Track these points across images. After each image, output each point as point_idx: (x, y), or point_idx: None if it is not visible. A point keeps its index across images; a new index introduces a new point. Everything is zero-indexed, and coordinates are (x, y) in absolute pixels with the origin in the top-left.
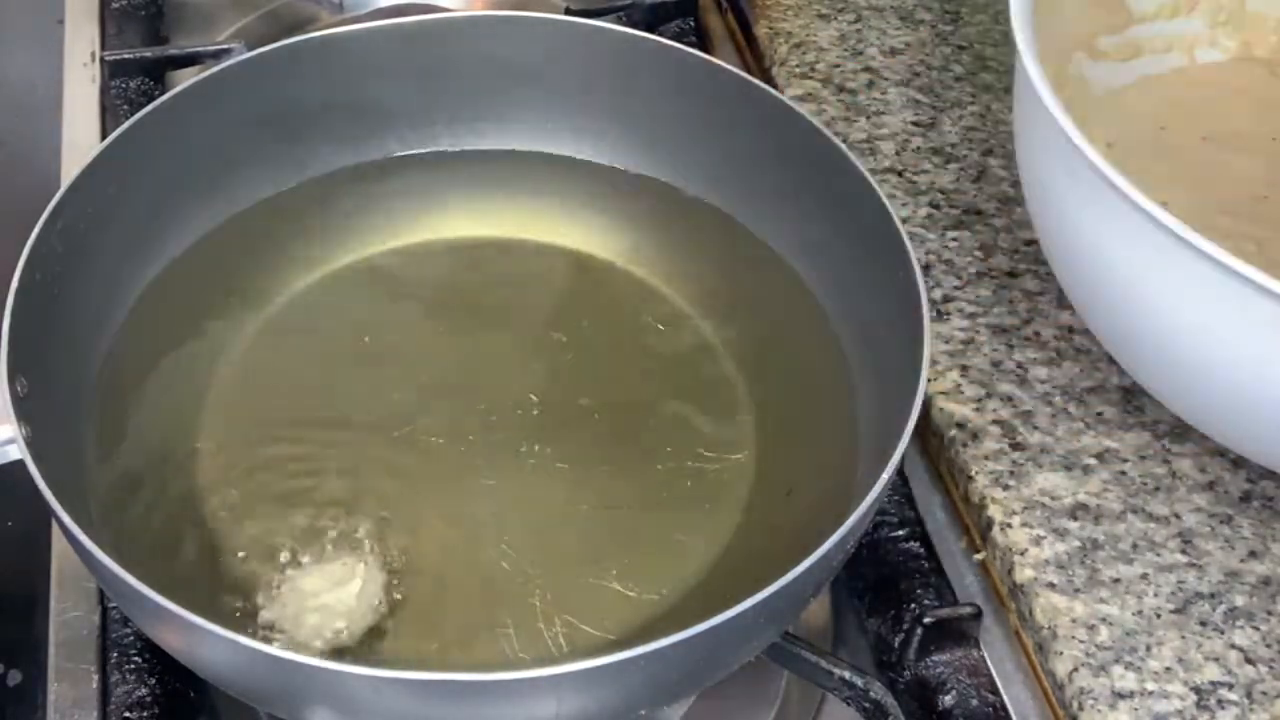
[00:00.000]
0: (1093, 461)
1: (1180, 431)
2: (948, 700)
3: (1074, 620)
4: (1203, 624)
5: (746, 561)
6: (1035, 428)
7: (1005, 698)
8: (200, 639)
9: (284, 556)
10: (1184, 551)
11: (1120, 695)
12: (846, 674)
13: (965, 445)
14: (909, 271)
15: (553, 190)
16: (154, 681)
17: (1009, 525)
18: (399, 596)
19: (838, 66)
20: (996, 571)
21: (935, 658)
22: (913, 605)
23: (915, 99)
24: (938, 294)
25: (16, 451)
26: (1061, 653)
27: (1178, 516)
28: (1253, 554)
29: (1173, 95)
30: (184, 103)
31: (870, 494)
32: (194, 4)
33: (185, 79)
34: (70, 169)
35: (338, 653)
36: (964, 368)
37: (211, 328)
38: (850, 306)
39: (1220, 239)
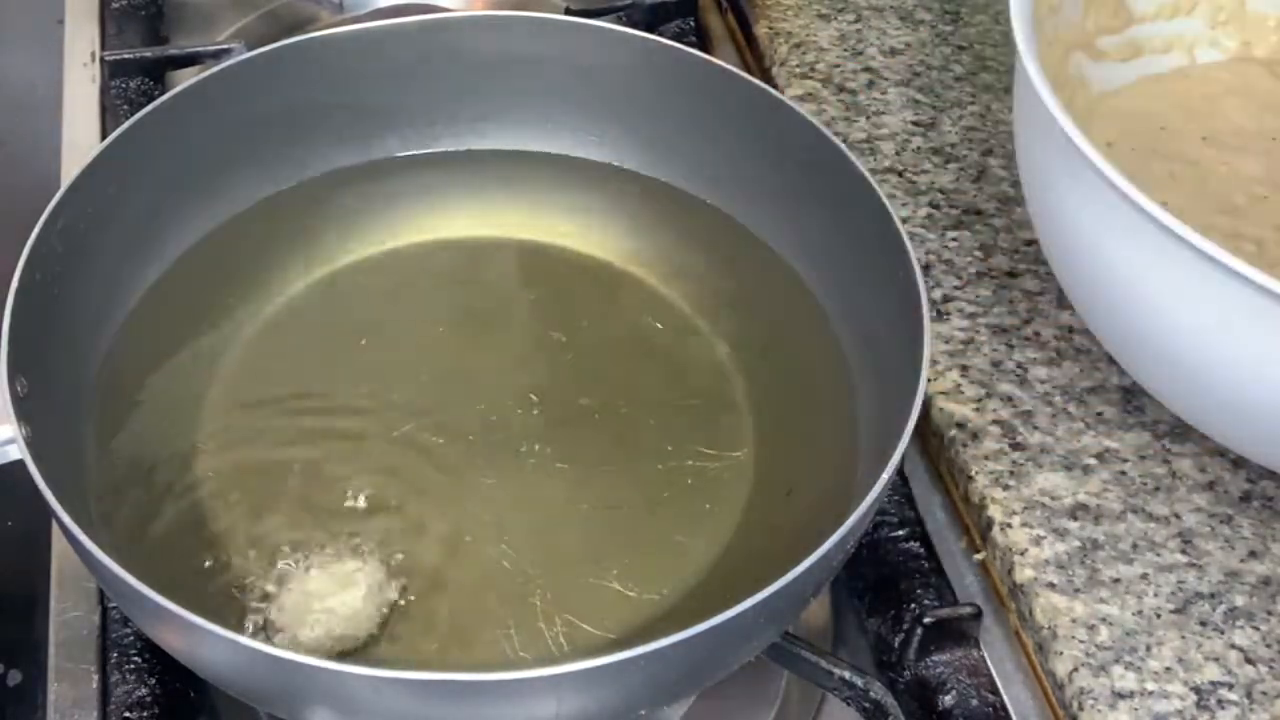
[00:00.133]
0: (1093, 461)
1: (1180, 431)
2: (948, 700)
3: (1074, 620)
4: (1203, 624)
5: (746, 561)
6: (1035, 428)
7: (1005, 698)
8: (200, 639)
9: (286, 557)
10: (1184, 551)
11: (1120, 695)
12: (846, 674)
13: (965, 445)
14: (909, 271)
15: (553, 190)
16: (154, 681)
17: (1009, 525)
18: (399, 598)
19: (838, 66)
20: (996, 571)
21: (935, 658)
22: (913, 605)
23: (915, 99)
24: (938, 294)
25: (16, 451)
26: (1061, 653)
27: (1178, 516)
28: (1253, 554)
29: (1173, 95)
30: (184, 103)
31: (870, 494)
32: (194, 4)
33: (185, 79)
34: (70, 169)
35: (340, 654)
36: (964, 368)
37: (211, 328)
38: (850, 306)
39: (1220, 239)
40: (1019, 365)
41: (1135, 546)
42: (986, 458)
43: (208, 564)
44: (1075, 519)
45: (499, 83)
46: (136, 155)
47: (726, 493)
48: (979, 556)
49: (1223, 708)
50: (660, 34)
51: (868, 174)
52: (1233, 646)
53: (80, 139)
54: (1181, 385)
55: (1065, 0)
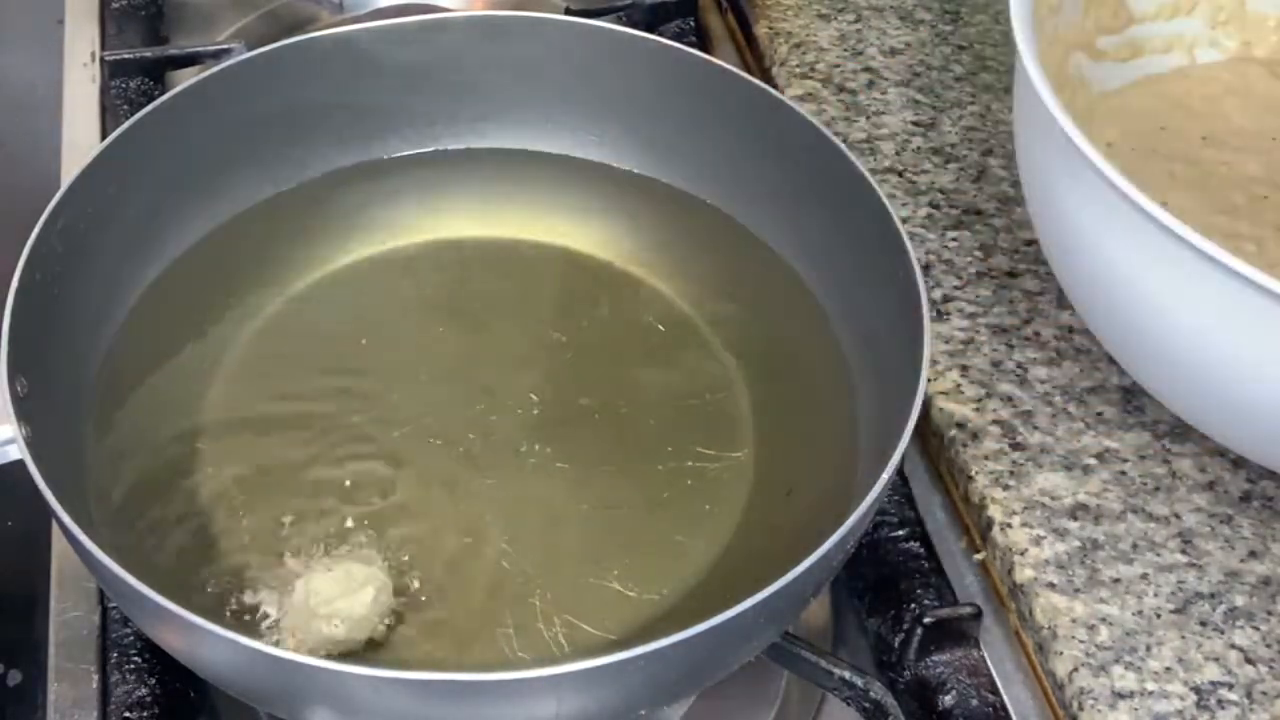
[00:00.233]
0: (1093, 461)
1: (1180, 431)
2: (948, 700)
3: (1074, 620)
4: (1203, 624)
5: (746, 561)
6: (1035, 428)
7: (1005, 698)
8: (200, 639)
9: (287, 558)
10: (1184, 551)
11: (1120, 695)
12: (846, 674)
13: (965, 445)
14: (909, 271)
15: (553, 190)
16: (154, 681)
17: (1009, 525)
18: (402, 599)
19: (838, 66)
20: (996, 571)
21: (935, 658)
22: (913, 605)
23: (915, 99)
24: (938, 294)
25: (16, 451)
26: (1061, 653)
27: (1178, 516)
28: (1253, 554)
29: (1173, 95)
30: (184, 103)
31: (870, 494)
32: (194, 4)
33: (185, 79)
34: (70, 169)
35: (342, 655)
36: (964, 368)
37: (211, 328)
38: (850, 306)
39: (1220, 239)
40: (1019, 365)
41: (1135, 546)
42: (986, 458)
43: (208, 564)
44: (1075, 519)
45: (499, 82)
46: (136, 155)
47: (726, 493)
48: (979, 556)
49: (1223, 708)
50: (660, 34)
51: (868, 174)
52: (1233, 646)
53: (80, 139)
54: (1181, 385)
55: (1065, 0)
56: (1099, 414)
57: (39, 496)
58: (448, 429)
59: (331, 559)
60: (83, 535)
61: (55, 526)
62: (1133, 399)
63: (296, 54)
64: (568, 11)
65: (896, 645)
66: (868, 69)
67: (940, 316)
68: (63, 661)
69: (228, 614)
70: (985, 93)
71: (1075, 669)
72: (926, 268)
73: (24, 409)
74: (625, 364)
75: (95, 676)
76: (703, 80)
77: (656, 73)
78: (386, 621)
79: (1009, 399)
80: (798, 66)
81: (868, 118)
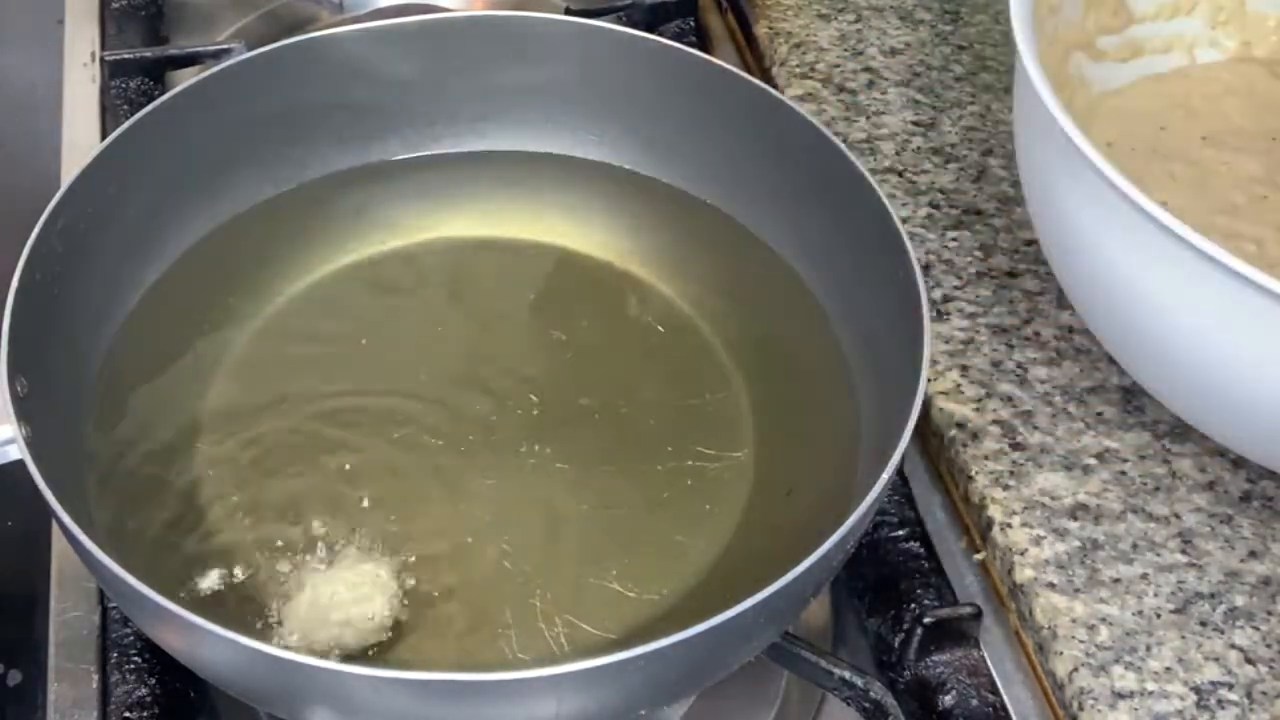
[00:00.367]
0: (1093, 461)
1: (1180, 431)
2: (948, 700)
3: (1074, 620)
4: (1203, 624)
5: (746, 561)
6: (1035, 428)
7: (1005, 698)
8: (200, 639)
9: (289, 558)
10: (1184, 551)
11: (1120, 695)
12: (846, 674)
13: (965, 445)
14: (909, 271)
15: (553, 190)
16: (154, 681)
17: (1009, 525)
18: (402, 599)
19: (838, 66)
20: (996, 571)
21: (935, 658)
22: (913, 605)
23: (915, 99)
24: (938, 294)
25: (16, 451)
26: (1061, 653)
27: (1178, 516)
28: (1253, 554)
29: (1173, 95)
30: (184, 103)
31: (870, 494)
32: (194, 4)
33: (185, 79)
34: (70, 169)
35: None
36: (964, 368)
37: (211, 328)
38: (850, 306)
39: (1220, 239)
40: (1019, 365)
41: (1135, 546)
42: (986, 458)
43: (208, 564)
44: (1075, 519)
45: (499, 83)
46: (136, 155)
47: (726, 493)
48: (979, 556)
49: (1223, 708)
50: (660, 34)
51: (868, 174)
52: (1233, 646)
53: (80, 139)
54: (1181, 385)
55: (1065, 0)
56: (1099, 414)
57: (39, 496)
58: (448, 429)
59: (336, 561)
60: (83, 535)
61: (55, 526)
62: (1133, 399)
63: (296, 54)
64: (568, 11)
65: (896, 645)
66: (868, 69)
67: (940, 316)
68: (63, 661)
69: (229, 614)
70: (985, 93)
71: (1075, 669)
72: (926, 268)
73: (24, 409)
74: (625, 364)
75: (95, 676)
76: (703, 80)
77: (656, 73)
78: (392, 620)
79: (1009, 399)
80: (798, 66)
81: (868, 118)
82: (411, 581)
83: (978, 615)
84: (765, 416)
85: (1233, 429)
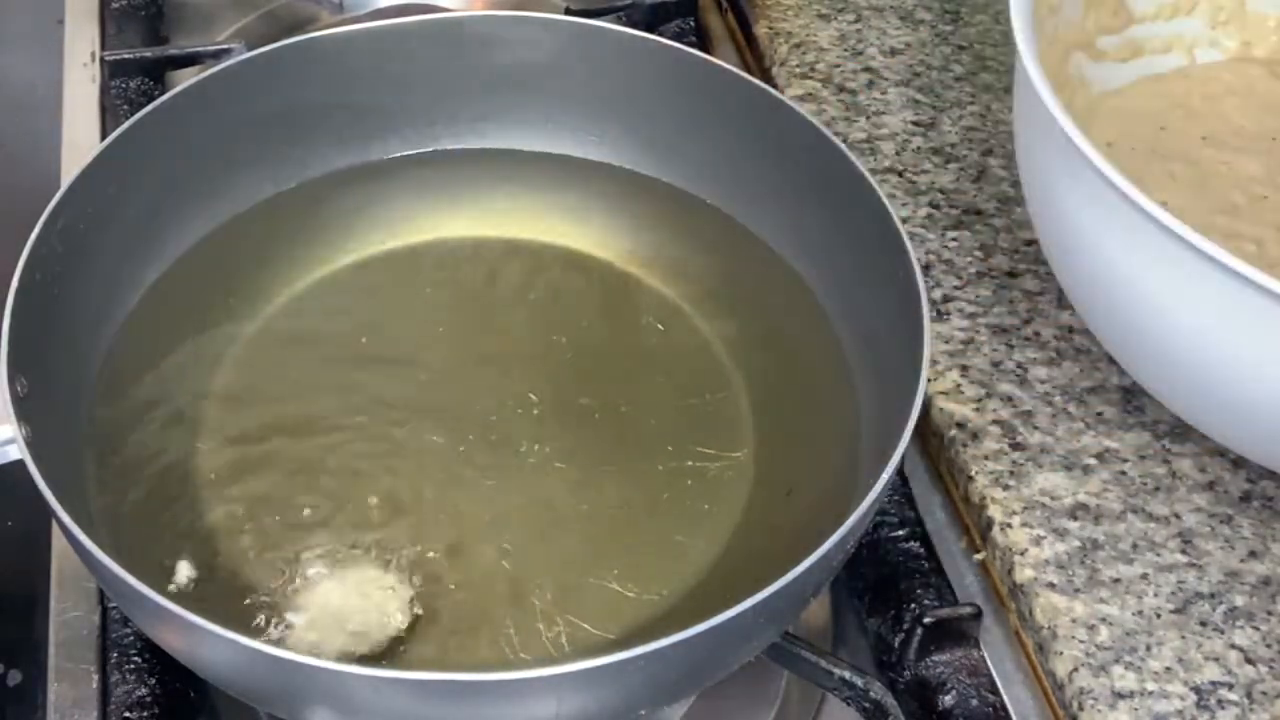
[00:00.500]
0: (1093, 461)
1: (1180, 431)
2: (948, 700)
3: (1074, 620)
4: (1203, 624)
5: (746, 561)
6: (1035, 428)
7: (1005, 698)
8: (200, 639)
9: (288, 559)
10: (1184, 551)
11: (1120, 695)
12: (846, 674)
13: (965, 445)
14: (909, 271)
15: (553, 190)
16: (154, 681)
17: (1009, 525)
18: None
19: (838, 66)
20: (996, 571)
21: (935, 658)
22: (913, 605)
23: (915, 99)
24: (938, 294)
25: (16, 451)
26: (1061, 653)
27: (1178, 516)
28: (1253, 554)
29: (1173, 95)
30: (184, 103)
31: (870, 494)
32: (194, 4)
33: (185, 79)
34: (70, 169)
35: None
36: (964, 368)
37: (211, 328)
38: (850, 306)
39: (1220, 239)
40: (1019, 365)
41: (1135, 546)
42: (986, 458)
43: (208, 564)
44: (1075, 519)
45: (499, 83)
46: (136, 155)
47: (726, 493)
48: (979, 556)
49: (1223, 708)
50: (660, 34)
51: (868, 174)
52: (1233, 646)
53: (80, 139)
54: (1181, 385)
55: (1065, 0)
56: (1099, 414)
57: (39, 496)
58: (447, 429)
59: (340, 565)
60: (83, 535)
61: (55, 526)
62: (1133, 399)
63: (296, 54)
64: (568, 11)
65: (896, 645)
66: (868, 69)
67: (940, 316)
68: (63, 661)
69: (229, 614)
70: (985, 93)
71: (1075, 669)
72: (926, 268)
73: (24, 409)
74: (625, 364)
75: (95, 676)
76: (703, 80)
77: (656, 73)
78: (396, 623)
79: (1009, 399)
80: (798, 66)
81: (868, 118)
82: (411, 582)
83: (978, 615)
84: (765, 416)
85: (1233, 429)
